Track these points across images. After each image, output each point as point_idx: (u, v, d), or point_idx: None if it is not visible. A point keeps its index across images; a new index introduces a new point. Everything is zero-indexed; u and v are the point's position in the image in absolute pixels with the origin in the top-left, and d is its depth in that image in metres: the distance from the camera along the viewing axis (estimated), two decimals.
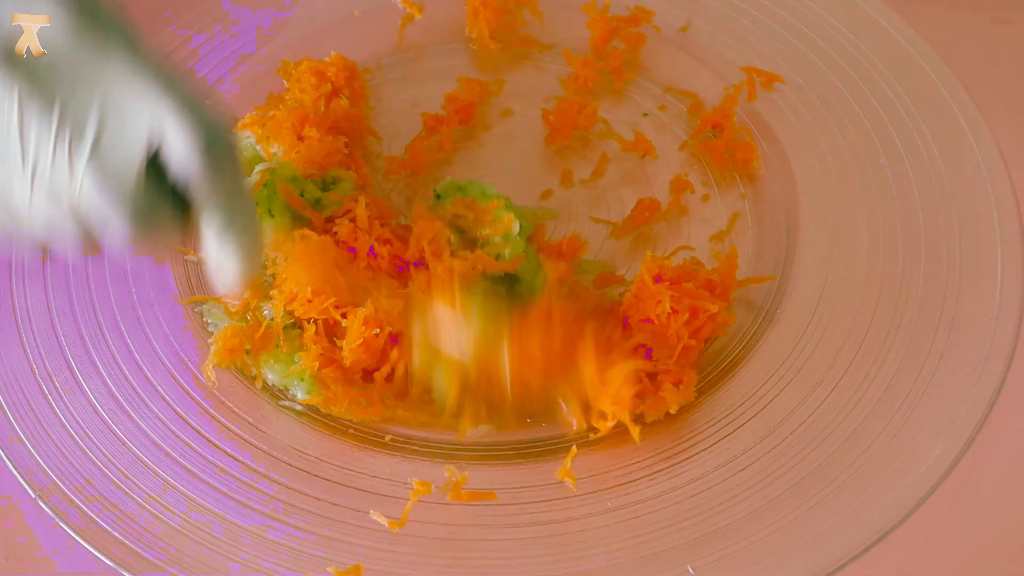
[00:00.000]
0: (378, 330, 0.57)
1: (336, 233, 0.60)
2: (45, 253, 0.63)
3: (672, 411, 0.57)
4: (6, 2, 0.44)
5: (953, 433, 0.54)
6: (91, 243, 0.46)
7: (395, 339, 0.58)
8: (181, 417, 0.57)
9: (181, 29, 0.76)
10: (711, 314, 0.58)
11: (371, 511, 0.53)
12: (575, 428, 0.56)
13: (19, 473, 0.54)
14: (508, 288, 0.61)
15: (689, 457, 0.55)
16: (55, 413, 0.57)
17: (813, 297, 0.62)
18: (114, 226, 0.45)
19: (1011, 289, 0.59)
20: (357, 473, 0.55)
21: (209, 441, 0.56)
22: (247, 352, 0.59)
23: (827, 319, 0.60)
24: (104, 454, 0.55)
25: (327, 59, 0.71)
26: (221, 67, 0.75)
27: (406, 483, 0.55)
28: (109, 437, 0.56)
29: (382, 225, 0.62)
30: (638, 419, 0.57)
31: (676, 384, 0.56)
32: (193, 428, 0.57)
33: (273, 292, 0.60)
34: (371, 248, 0.60)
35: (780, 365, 0.59)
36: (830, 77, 0.72)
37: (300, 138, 0.66)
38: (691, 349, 0.58)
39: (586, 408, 0.56)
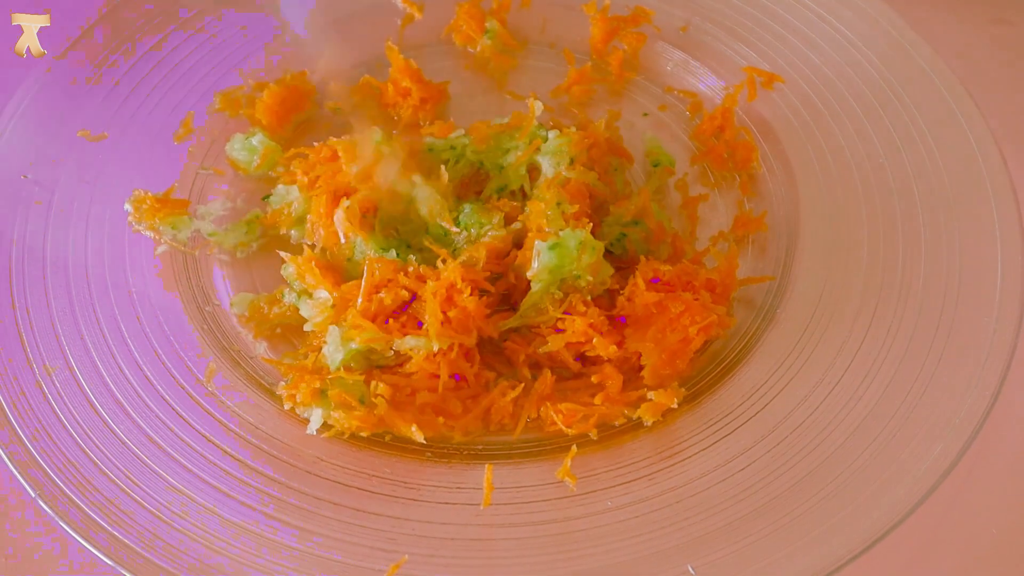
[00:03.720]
0: None
1: None
2: None
3: (648, 422, 0.57)
4: None
5: (953, 433, 0.54)
6: None
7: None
8: (181, 416, 0.57)
9: (190, 27, 0.77)
10: (703, 325, 0.58)
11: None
12: None
13: (19, 473, 0.54)
14: None
15: (689, 457, 0.55)
16: (55, 413, 0.57)
17: (813, 297, 0.62)
18: None
19: (1011, 289, 0.59)
20: (357, 472, 0.55)
21: (209, 440, 0.56)
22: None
23: (827, 319, 0.60)
24: (104, 453, 0.55)
25: None
26: (228, 61, 0.76)
27: (406, 482, 0.55)
28: (109, 436, 0.56)
29: None
30: (636, 423, 0.57)
31: (660, 387, 0.57)
32: (193, 427, 0.57)
33: None
34: None
35: (780, 365, 0.59)
36: (830, 77, 0.72)
37: None
38: (682, 354, 0.58)
39: None
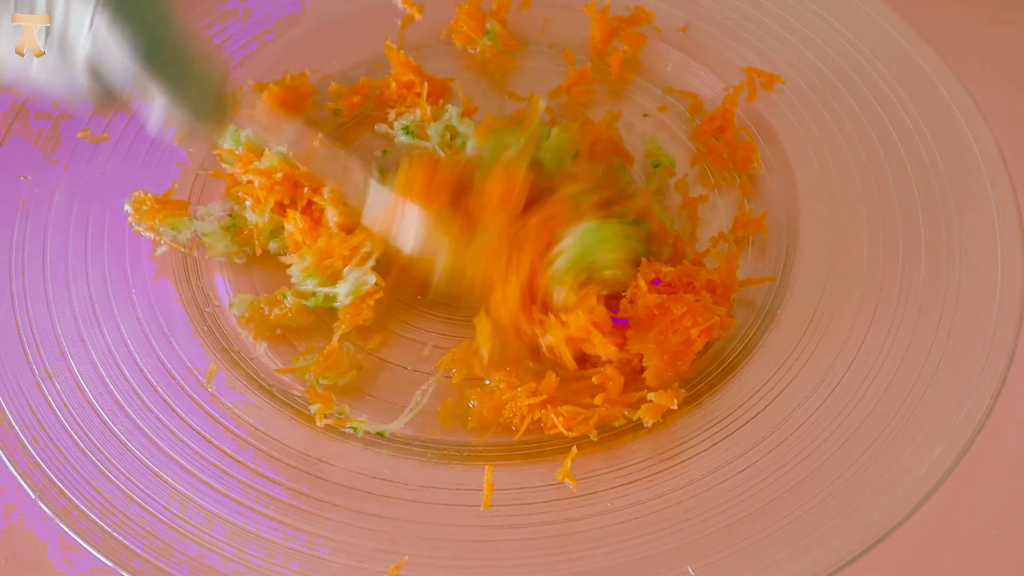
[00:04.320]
0: None
1: None
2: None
3: (648, 423, 0.57)
4: None
5: (953, 434, 0.54)
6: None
7: None
8: (181, 417, 0.57)
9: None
10: (706, 326, 0.58)
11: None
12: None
13: (19, 473, 0.54)
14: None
15: (689, 458, 0.55)
16: (55, 414, 0.57)
17: (813, 297, 0.62)
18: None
19: (1011, 289, 0.59)
20: (358, 474, 0.55)
21: (209, 441, 0.56)
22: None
23: (827, 319, 0.60)
24: (104, 454, 0.55)
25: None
26: (227, 61, 0.75)
27: (406, 483, 0.55)
28: (109, 437, 0.56)
29: None
30: (636, 424, 0.57)
31: (661, 389, 0.57)
32: (193, 428, 0.57)
33: None
34: None
35: (780, 366, 0.59)
36: (830, 77, 0.72)
37: None
38: (684, 355, 0.58)
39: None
